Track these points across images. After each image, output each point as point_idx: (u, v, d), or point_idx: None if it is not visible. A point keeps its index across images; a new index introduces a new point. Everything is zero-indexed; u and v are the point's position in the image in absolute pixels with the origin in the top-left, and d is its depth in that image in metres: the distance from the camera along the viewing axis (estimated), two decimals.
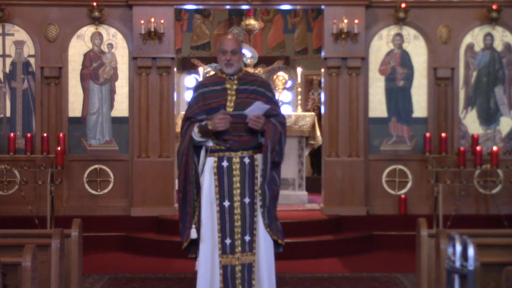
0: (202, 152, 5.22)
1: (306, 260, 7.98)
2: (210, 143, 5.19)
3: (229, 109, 5.15)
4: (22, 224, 8.09)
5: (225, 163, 5.15)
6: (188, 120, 5.24)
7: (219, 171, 5.15)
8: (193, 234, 5.19)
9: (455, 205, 8.80)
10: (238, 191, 5.14)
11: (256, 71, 11.04)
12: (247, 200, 5.14)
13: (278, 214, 9.25)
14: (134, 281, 7.04)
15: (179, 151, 5.23)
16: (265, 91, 5.29)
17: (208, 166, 5.19)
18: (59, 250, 5.09)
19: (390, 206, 9.21)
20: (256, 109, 5.08)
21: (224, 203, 5.13)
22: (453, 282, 3.74)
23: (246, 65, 11.31)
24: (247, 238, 5.12)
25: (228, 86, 5.22)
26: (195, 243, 5.24)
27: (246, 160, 5.17)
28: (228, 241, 5.11)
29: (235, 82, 5.23)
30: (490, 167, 8.71)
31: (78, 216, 6.62)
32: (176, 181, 9.29)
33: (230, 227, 5.12)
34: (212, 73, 9.68)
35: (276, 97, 5.50)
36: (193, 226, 5.20)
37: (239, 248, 5.11)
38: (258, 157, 5.20)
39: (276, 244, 5.22)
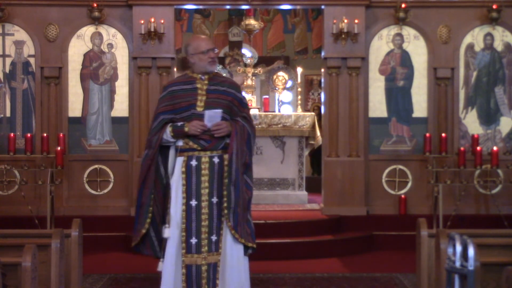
0: (172, 153, 5.22)
1: (306, 260, 7.97)
2: (180, 143, 5.17)
3: (199, 109, 5.15)
4: (22, 224, 8.10)
5: (193, 162, 5.13)
6: (157, 119, 5.21)
7: (188, 170, 5.13)
8: (166, 233, 5.13)
9: (455, 205, 8.79)
10: (207, 190, 5.11)
11: (256, 71, 11.06)
12: (214, 199, 5.11)
13: (279, 214, 9.32)
14: (134, 281, 7.04)
15: (146, 156, 5.22)
16: (235, 93, 5.30)
17: (177, 166, 5.18)
18: (59, 250, 5.09)
19: (390, 206, 9.20)
20: (211, 118, 5.08)
21: (191, 202, 5.11)
22: (453, 282, 3.75)
23: (246, 65, 11.31)
24: (214, 238, 5.09)
25: (198, 85, 5.21)
26: (143, 242, 5.23)
27: (215, 160, 5.15)
28: (194, 240, 5.08)
29: (206, 82, 5.23)
30: (490, 167, 8.71)
31: (78, 216, 6.61)
32: None
33: (196, 227, 5.09)
34: None
35: (245, 97, 5.51)
36: (166, 225, 5.15)
37: (206, 248, 5.08)
38: (228, 157, 5.16)
39: (245, 246, 5.14)
